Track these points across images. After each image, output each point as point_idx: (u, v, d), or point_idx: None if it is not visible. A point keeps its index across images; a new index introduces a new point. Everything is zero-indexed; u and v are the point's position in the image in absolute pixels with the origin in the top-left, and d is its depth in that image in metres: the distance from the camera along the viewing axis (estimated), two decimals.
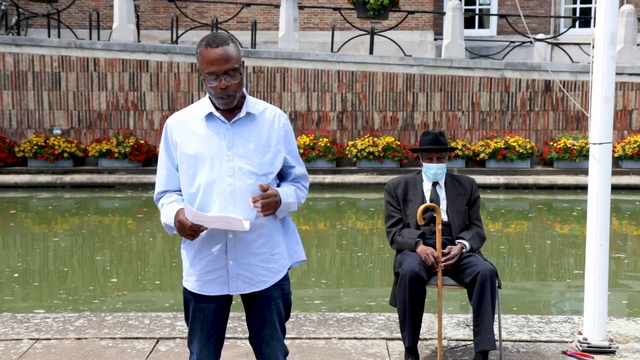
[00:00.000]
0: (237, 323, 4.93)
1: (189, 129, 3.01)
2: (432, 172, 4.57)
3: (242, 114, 2.99)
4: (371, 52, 15.22)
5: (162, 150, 3.08)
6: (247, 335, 3.22)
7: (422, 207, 4.22)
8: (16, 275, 7.78)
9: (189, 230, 2.89)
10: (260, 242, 3.00)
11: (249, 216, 2.93)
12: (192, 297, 3.08)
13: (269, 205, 2.91)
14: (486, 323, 4.19)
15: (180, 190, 3.06)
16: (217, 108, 3.00)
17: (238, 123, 2.99)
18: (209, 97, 3.02)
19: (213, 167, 2.95)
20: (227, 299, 3.11)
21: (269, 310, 3.07)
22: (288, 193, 3.03)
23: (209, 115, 3.00)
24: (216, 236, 2.97)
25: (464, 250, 4.43)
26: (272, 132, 3.02)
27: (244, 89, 3.02)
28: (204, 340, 3.09)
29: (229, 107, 2.97)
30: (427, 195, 4.59)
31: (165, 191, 3.08)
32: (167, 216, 3.00)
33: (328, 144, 14.10)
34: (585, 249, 4.61)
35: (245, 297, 3.10)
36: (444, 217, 4.52)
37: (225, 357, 4.36)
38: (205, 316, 3.07)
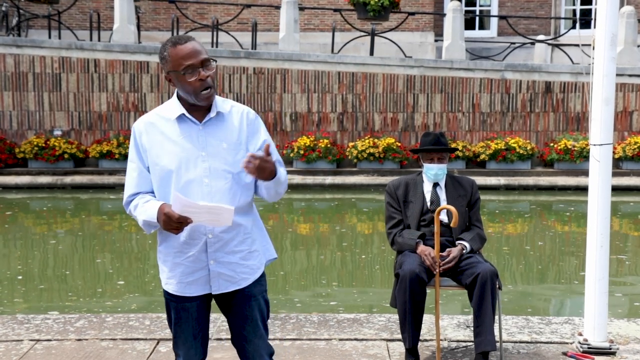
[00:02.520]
0: None
1: (160, 132, 2.98)
2: (432, 173, 4.57)
3: (212, 113, 2.99)
4: (372, 53, 15.22)
5: (132, 153, 3.04)
6: None
7: (453, 209, 4.18)
8: (19, 277, 7.78)
9: (175, 223, 2.82)
10: (238, 240, 3.01)
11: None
12: (174, 299, 3.07)
13: (264, 169, 2.86)
14: (486, 324, 4.19)
15: (152, 192, 3.01)
16: (187, 109, 2.98)
17: (209, 123, 2.99)
18: (178, 99, 3.00)
19: (188, 169, 2.94)
20: (208, 297, 3.10)
21: (250, 307, 3.07)
22: (280, 170, 2.98)
23: (181, 117, 2.98)
24: (196, 237, 2.96)
25: (464, 251, 4.44)
26: (242, 130, 3.02)
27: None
28: (190, 339, 3.10)
29: (210, 103, 2.95)
30: (428, 197, 4.59)
31: (137, 193, 3.02)
32: (147, 213, 2.92)
33: (328, 145, 14.10)
34: (585, 250, 4.61)
35: (224, 298, 3.08)
36: (445, 218, 4.52)
37: (226, 357, 4.37)
38: (190, 315, 3.08)
